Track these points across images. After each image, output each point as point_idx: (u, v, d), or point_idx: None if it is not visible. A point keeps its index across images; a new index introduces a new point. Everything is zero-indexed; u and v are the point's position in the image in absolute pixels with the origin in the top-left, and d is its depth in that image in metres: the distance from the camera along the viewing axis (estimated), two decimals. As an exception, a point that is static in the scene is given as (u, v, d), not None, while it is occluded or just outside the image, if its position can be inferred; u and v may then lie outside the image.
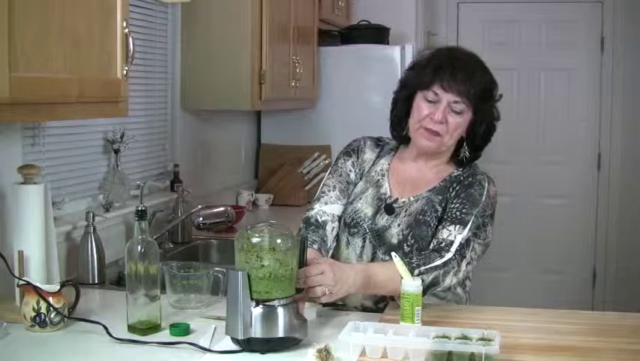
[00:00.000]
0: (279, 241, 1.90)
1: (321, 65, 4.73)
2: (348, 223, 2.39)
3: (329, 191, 2.43)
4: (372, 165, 2.46)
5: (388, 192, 2.39)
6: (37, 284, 2.08)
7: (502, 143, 6.07)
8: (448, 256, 2.20)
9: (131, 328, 2.05)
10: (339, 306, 2.32)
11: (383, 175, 2.42)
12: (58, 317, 2.07)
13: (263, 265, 1.88)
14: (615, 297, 6.01)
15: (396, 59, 4.64)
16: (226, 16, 3.65)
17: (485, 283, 6.12)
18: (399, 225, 2.33)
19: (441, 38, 6.14)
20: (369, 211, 2.37)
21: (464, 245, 2.22)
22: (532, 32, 6.06)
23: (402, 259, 2.11)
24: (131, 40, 2.16)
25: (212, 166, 4.15)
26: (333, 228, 2.39)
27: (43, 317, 2.05)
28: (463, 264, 2.22)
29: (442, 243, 2.22)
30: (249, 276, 1.88)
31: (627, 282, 5.97)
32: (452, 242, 2.22)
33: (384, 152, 2.48)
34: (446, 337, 1.82)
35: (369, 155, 2.48)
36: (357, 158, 2.48)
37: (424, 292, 2.11)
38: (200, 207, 3.32)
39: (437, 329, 1.88)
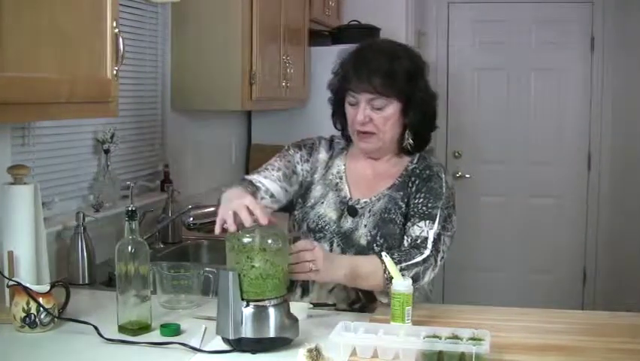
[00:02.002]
0: (269, 241, 1.90)
1: (312, 65, 4.72)
2: (313, 228, 2.38)
3: (272, 169, 2.41)
4: (327, 167, 2.46)
5: (348, 195, 2.39)
6: (27, 285, 2.08)
7: (492, 143, 6.13)
8: (427, 252, 2.22)
9: (122, 328, 2.05)
10: (329, 306, 2.32)
11: (341, 178, 2.43)
12: (48, 317, 2.07)
13: (253, 266, 1.88)
14: (605, 296, 6.03)
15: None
16: (216, 17, 3.65)
17: (476, 283, 6.14)
18: (365, 226, 2.33)
19: (431, 38, 6.15)
20: (333, 215, 2.37)
21: (437, 240, 2.25)
22: (522, 32, 6.06)
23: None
24: (121, 40, 2.16)
25: (202, 166, 4.14)
26: (263, 198, 2.34)
27: (33, 317, 2.05)
28: (439, 258, 2.25)
29: (417, 240, 2.24)
30: (239, 276, 1.88)
31: (617, 281, 5.99)
32: (426, 238, 2.24)
33: (336, 152, 2.49)
34: (436, 337, 1.83)
35: (323, 155, 2.48)
36: (310, 156, 2.47)
37: None
38: (190, 207, 3.30)
39: (427, 329, 1.89)
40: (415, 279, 2.18)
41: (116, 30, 2.15)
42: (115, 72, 2.17)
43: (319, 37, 4.85)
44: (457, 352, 1.76)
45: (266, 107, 4.37)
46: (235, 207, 1.95)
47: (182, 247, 3.49)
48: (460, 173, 6.14)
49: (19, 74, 1.78)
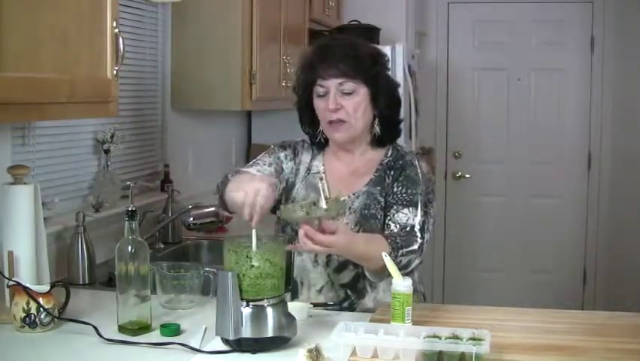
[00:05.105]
0: (268, 240, 1.92)
1: (312, 65, 4.71)
2: (297, 230, 2.37)
3: (263, 165, 2.43)
4: (308, 169, 2.47)
5: (329, 196, 2.37)
6: (27, 285, 2.08)
7: (492, 143, 6.13)
8: (420, 241, 2.23)
9: (122, 328, 2.05)
10: (329, 306, 2.32)
11: (321, 179, 2.41)
12: (48, 317, 2.07)
13: (253, 266, 1.88)
14: (605, 296, 6.03)
15: (386, 59, 4.63)
16: (216, 16, 3.65)
17: (476, 283, 6.14)
18: (347, 224, 2.32)
19: (431, 38, 6.15)
20: None
21: (422, 229, 2.26)
22: (522, 32, 6.06)
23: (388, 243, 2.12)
24: (121, 40, 2.16)
25: (202, 166, 4.14)
26: None
27: (33, 317, 2.05)
28: (424, 247, 2.25)
29: (406, 227, 2.24)
30: (238, 277, 1.88)
31: (617, 281, 5.99)
32: (414, 226, 2.25)
33: (315, 154, 2.51)
34: (436, 337, 1.83)
35: (305, 157, 2.50)
36: (294, 155, 2.49)
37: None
38: (190, 207, 3.31)
39: (427, 329, 1.89)
40: (407, 266, 2.18)
41: (116, 30, 2.15)
42: (115, 72, 2.17)
43: (319, 37, 4.85)
44: (457, 352, 1.76)
45: (266, 107, 4.36)
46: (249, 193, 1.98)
47: (182, 247, 3.49)
48: (460, 173, 6.14)
49: (19, 74, 1.78)
